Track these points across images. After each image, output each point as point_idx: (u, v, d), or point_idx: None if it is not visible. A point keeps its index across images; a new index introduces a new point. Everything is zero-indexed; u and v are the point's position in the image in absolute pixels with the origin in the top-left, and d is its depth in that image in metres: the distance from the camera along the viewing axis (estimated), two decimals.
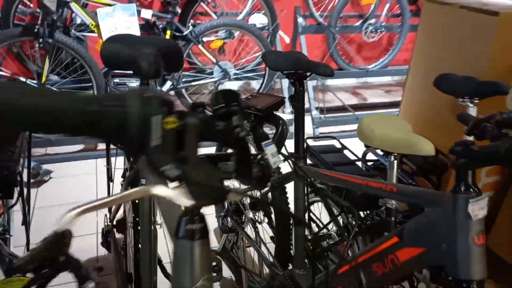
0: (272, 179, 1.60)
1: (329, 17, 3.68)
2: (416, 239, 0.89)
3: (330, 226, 1.61)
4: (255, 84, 3.86)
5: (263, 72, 3.33)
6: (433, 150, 1.30)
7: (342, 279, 1.15)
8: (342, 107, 3.51)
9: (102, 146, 2.93)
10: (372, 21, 3.80)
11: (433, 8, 1.95)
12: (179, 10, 3.03)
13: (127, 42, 1.17)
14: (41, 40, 2.58)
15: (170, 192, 0.50)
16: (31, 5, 2.79)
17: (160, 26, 2.97)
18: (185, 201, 0.50)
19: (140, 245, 1.31)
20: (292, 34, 3.74)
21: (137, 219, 1.32)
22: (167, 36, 2.92)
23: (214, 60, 3.05)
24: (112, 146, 1.60)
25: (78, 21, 3.04)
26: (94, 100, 0.45)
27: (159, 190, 0.51)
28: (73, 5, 2.62)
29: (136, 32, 2.77)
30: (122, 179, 1.64)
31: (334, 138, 1.83)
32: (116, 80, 3.06)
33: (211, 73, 3.19)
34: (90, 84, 2.85)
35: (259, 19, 3.53)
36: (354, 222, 1.50)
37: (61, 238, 0.47)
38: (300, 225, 1.42)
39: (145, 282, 1.27)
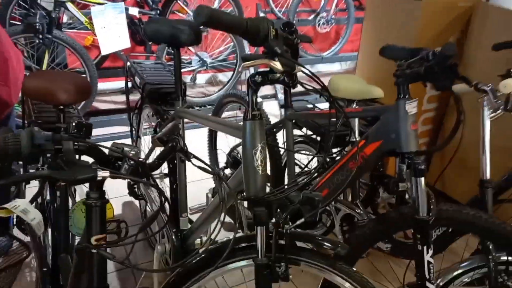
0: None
1: (287, 12, 4.24)
2: (376, 136, 1.41)
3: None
4: (222, 77, 4.31)
5: (234, 61, 3.81)
6: (382, 93, 1.85)
7: (329, 182, 1.65)
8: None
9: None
10: (323, 14, 4.40)
11: (375, 0, 2.53)
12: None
13: (164, 23, 1.61)
14: (40, 36, 2.90)
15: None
16: (26, 6, 3.09)
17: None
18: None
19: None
20: None
21: None
22: None
23: (193, 51, 3.49)
24: None
25: (65, 19, 3.37)
26: None
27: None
28: (69, 5, 2.97)
29: (124, 27, 3.16)
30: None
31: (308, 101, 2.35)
32: None
33: (190, 63, 3.62)
34: (84, 75, 3.20)
35: None
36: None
37: None
38: (291, 158, 1.91)
39: None
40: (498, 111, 1.42)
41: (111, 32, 3.11)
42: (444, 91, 1.23)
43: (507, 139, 2.01)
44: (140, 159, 0.86)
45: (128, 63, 2.13)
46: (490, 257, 1.44)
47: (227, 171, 2.41)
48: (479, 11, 2.27)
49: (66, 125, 0.76)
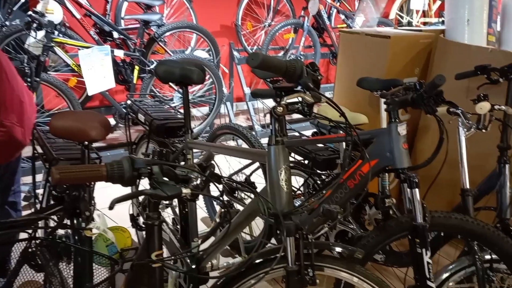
0: None
1: (259, 50, 4.52)
2: (372, 155, 1.62)
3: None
4: (196, 112, 4.45)
5: (214, 96, 4.00)
6: (367, 119, 2.09)
7: (327, 200, 1.82)
8: None
9: None
10: (293, 51, 4.72)
11: (347, 37, 2.83)
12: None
13: (174, 64, 1.78)
14: (29, 79, 2.97)
15: None
16: (12, 51, 3.16)
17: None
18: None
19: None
20: (229, 65, 4.50)
21: None
22: (136, 72, 3.47)
23: (175, 88, 3.65)
24: None
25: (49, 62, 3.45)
26: None
27: None
28: (57, 49, 3.07)
29: (110, 68, 3.29)
30: None
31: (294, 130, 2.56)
32: None
33: (171, 99, 3.77)
34: None
35: (202, 55, 4.22)
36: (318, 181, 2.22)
37: None
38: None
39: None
40: (471, 130, 1.67)
41: (97, 73, 3.22)
42: (431, 114, 1.45)
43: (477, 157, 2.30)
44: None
45: (129, 101, 2.26)
46: (476, 257, 1.65)
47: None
48: (439, 46, 2.61)
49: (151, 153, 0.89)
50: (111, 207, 0.77)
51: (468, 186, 1.72)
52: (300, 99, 1.21)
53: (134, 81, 3.46)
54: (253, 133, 2.30)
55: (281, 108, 1.25)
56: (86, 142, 1.53)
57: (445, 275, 1.70)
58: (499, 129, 1.79)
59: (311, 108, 1.24)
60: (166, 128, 1.95)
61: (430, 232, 1.97)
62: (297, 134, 2.49)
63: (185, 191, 0.87)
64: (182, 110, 1.87)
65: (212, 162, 1.23)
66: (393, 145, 1.54)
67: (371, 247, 1.60)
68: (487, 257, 1.66)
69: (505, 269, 1.65)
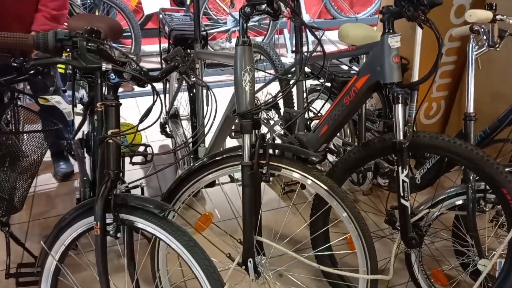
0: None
1: None
2: (364, 71, 1.56)
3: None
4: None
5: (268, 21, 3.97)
6: None
7: (328, 119, 1.82)
8: None
9: None
10: None
11: None
12: None
13: None
14: None
15: None
16: None
17: None
18: None
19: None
20: None
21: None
22: None
23: (228, 11, 3.69)
24: None
25: None
26: None
27: None
28: None
29: None
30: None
31: None
32: None
33: (225, 23, 3.83)
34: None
35: None
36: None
37: None
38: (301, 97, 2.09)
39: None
40: (483, 48, 1.51)
41: None
42: (413, 21, 1.34)
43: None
44: (143, 68, 1.11)
45: (161, 15, 2.38)
46: (469, 185, 1.57)
47: None
48: None
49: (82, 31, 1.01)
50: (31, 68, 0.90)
51: (472, 110, 1.59)
52: None
53: (188, 3, 3.55)
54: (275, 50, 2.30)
55: (249, 8, 1.28)
56: None
57: (439, 198, 1.65)
58: None
59: (274, 9, 1.24)
60: (183, 39, 2.06)
61: (418, 152, 1.90)
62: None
63: (106, 66, 0.98)
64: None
65: (179, 58, 1.32)
66: (384, 58, 1.47)
67: (352, 162, 1.60)
68: (482, 187, 1.57)
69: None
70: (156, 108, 1.18)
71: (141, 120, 1.12)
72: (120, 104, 1.19)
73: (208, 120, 1.23)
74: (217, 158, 1.43)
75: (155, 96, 1.13)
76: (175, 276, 1.76)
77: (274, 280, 1.74)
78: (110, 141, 1.18)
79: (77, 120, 1.72)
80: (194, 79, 1.30)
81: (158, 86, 2.55)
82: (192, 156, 1.98)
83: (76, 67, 0.97)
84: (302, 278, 1.76)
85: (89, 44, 0.96)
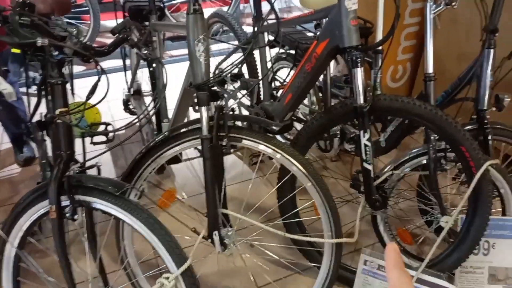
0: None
1: None
2: (324, 35, 1.53)
3: None
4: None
5: None
6: None
7: (291, 87, 1.79)
8: None
9: None
10: None
11: None
12: None
13: None
14: None
15: None
16: None
17: None
18: None
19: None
20: None
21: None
22: None
23: None
24: None
25: None
26: None
27: None
28: None
29: None
30: None
31: None
32: None
33: None
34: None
35: None
36: None
37: None
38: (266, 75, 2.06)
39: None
40: (441, 7, 1.50)
41: None
42: None
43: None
44: (84, 42, 1.05)
45: None
46: (430, 145, 1.59)
47: None
48: None
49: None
50: None
51: (431, 70, 1.60)
52: None
53: None
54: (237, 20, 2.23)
55: None
56: None
57: (401, 160, 1.68)
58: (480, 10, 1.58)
59: None
60: (138, 11, 1.97)
61: (379, 115, 1.92)
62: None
63: (42, 40, 0.92)
64: None
65: (127, 29, 1.26)
66: (342, 21, 1.44)
67: (315, 129, 1.59)
68: (442, 146, 1.60)
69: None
70: (120, 85, 1.13)
71: (87, 97, 1.07)
72: (67, 82, 1.14)
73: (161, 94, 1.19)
74: (177, 132, 1.39)
75: (100, 72, 1.08)
76: (145, 254, 1.75)
77: (243, 251, 1.76)
78: (59, 121, 1.13)
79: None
80: (145, 51, 1.24)
81: (119, 62, 2.48)
82: (155, 132, 1.93)
83: (8, 43, 0.91)
84: (273, 247, 1.78)
85: (22, 18, 0.90)
